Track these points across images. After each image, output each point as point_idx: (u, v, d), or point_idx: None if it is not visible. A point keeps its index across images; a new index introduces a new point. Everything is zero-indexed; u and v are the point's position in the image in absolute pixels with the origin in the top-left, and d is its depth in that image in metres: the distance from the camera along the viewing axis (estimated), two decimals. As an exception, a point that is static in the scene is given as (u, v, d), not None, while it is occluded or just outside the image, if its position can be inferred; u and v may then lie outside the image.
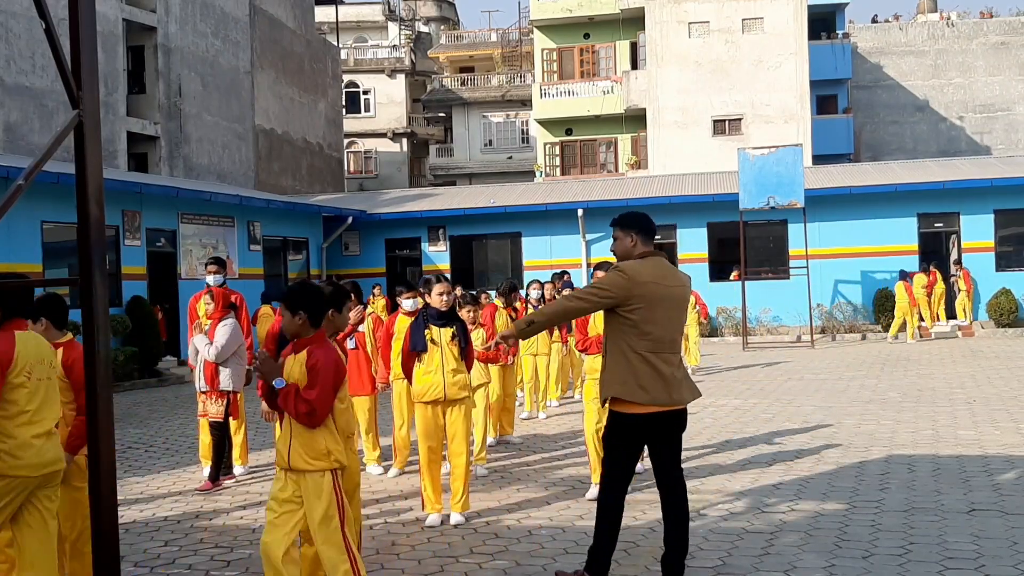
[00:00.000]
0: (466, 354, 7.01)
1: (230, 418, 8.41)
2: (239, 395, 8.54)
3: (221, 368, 8.22)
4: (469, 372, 7.11)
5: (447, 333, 6.84)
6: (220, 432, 8.28)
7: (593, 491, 7.09)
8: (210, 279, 9.28)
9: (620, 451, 5.06)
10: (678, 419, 5.11)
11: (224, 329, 8.20)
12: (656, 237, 5.27)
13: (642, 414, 4.94)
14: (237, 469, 8.69)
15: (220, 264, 9.48)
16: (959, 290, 22.62)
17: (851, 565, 5.45)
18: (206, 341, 8.22)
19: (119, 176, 19.80)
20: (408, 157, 45.85)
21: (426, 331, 6.83)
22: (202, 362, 8.30)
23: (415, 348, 6.85)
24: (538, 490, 7.74)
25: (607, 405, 5.18)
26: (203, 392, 8.34)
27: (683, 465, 8.42)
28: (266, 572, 4.46)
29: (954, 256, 23.65)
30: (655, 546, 5.96)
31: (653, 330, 4.91)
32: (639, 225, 5.15)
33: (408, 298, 8.44)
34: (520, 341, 9.38)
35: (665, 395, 4.94)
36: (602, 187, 26.74)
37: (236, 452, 8.78)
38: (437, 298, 6.97)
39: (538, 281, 13.11)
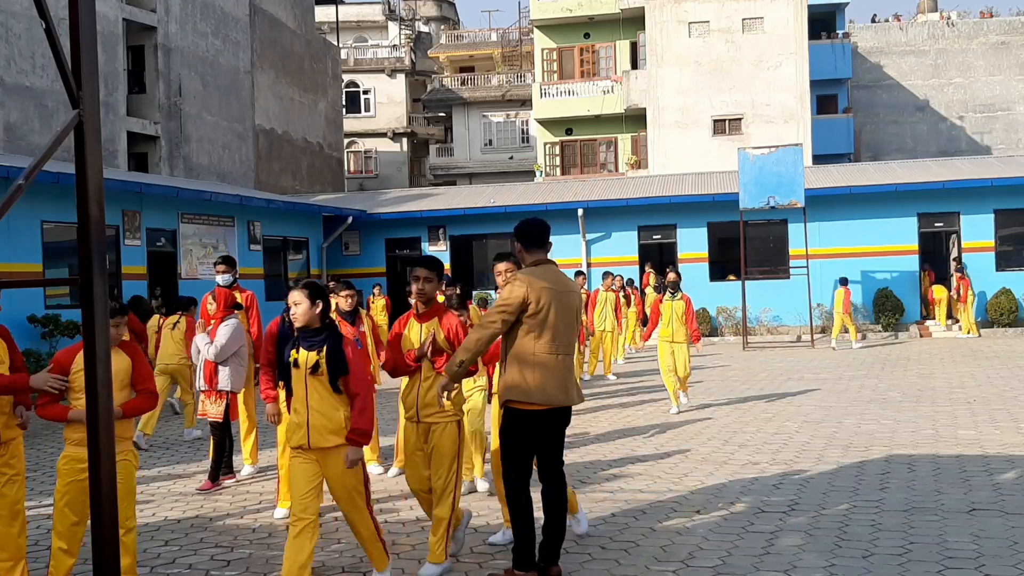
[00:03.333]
0: (346, 385, 5.04)
1: (230, 418, 8.41)
2: (238, 395, 8.53)
3: (220, 368, 8.22)
4: (350, 407, 5.08)
5: (311, 358, 5.05)
6: (220, 432, 8.28)
7: (503, 535, 6.12)
8: (219, 279, 9.15)
9: (517, 445, 5.31)
10: (564, 416, 5.38)
11: (225, 329, 8.20)
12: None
13: (534, 410, 5.22)
14: (247, 469, 8.68)
15: (229, 263, 9.12)
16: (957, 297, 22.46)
17: (851, 565, 5.45)
18: (207, 340, 8.22)
19: (119, 176, 19.78)
20: (408, 157, 45.84)
21: (292, 352, 5.15)
22: (202, 361, 8.30)
23: (280, 378, 5.80)
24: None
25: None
26: (203, 391, 8.35)
27: (684, 465, 8.48)
28: None
29: (954, 257, 23.65)
30: (655, 546, 5.96)
31: (548, 332, 5.21)
32: (525, 235, 5.44)
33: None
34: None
35: (557, 395, 5.23)
36: (602, 187, 26.74)
37: (246, 451, 8.76)
38: (291, 306, 5.18)
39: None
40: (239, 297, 8.88)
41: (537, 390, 5.18)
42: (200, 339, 8.32)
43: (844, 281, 20.87)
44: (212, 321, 8.49)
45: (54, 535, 5.04)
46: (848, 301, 20.54)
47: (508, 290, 5.27)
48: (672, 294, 11.89)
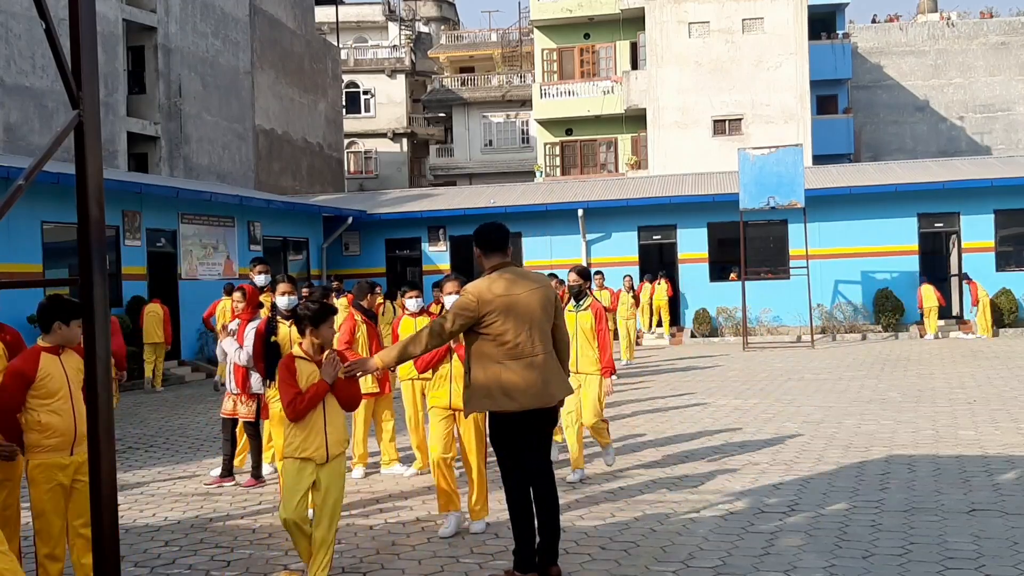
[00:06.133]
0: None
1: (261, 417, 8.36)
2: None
3: (251, 371, 8.12)
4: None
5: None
6: (254, 430, 8.30)
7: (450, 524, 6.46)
8: (259, 279, 9.06)
9: (507, 448, 5.33)
10: (548, 415, 5.38)
11: (253, 333, 7.95)
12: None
13: (516, 412, 5.23)
14: (267, 468, 8.60)
15: (268, 264, 9.33)
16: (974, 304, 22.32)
17: (851, 565, 5.45)
18: (235, 345, 8.13)
19: (119, 176, 19.79)
20: (408, 157, 45.84)
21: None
22: (231, 365, 8.26)
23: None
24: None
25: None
26: (234, 395, 8.31)
27: (683, 465, 8.48)
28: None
29: (954, 262, 23.66)
30: (655, 546, 5.96)
31: (510, 339, 5.19)
32: (482, 239, 5.40)
33: (412, 297, 8.48)
34: None
35: (531, 397, 5.21)
36: (602, 187, 26.74)
37: (270, 453, 8.68)
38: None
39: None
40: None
41: (506, 397, 5.18)
42: (228, 344, 8.22)
43: (926, 279, 22.35)
44: (236, 319, 8.40)
45: (38, 543, 5.03)
46: (939, 297, 21.99)
47: (459, 301, 5.29)
48: (576, 303, 8.03)
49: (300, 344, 5.34)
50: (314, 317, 5.27)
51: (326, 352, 5.25)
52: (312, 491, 5.16)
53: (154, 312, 16.75)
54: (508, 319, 5.18)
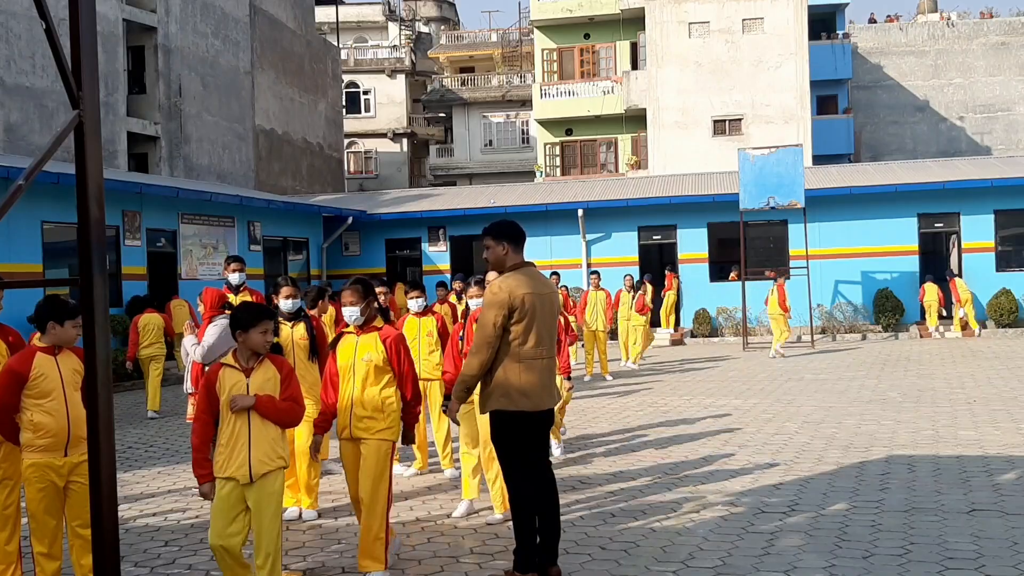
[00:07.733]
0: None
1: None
2: None
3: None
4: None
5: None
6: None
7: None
8: (233, 277, 8.94)
9: (513, 447, 5.35)
10: (548, 416, 5.43)
11: (214, 329, 7.54)
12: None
13: (522, 412, 5.25)
14: None
15: (242, 262, 9.16)
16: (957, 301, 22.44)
17: (851, 565, 5.45)
18: (195, 341, 7.73)
19: (119, 176, 19.80)
20: (408, 157, 45.85)
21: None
22: (190, 363, 7.91)
23: None
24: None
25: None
26: (190, 394, 7.97)
27: (683, 465, 8.48)
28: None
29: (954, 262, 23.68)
30: (655, 546, 5.96)
31: (531, 338, 5.21)
32: (510, 235, 5.39)
33: (414, 298, 8.44)
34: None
35: (543, 398, 5.29)
36: (602, 187, 26.74)
37: None
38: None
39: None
40: (233, 298, 8.70)
41: (523, 396, 5.20)
42: (188, 341, 7.84)
43: (931, 278, 22.41)
44: (203, 322, 8.19)
45: (34, 541, 5.03)
46: (940, 296, 22.16)
47: (488, 299, 5.23)
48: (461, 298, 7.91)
49: (233, 352, 4.86)
50: (242, 320, 4.74)
51: (235, 389, 4.71)
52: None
53: (179, 307, 17.27)
54: (533, 318, 5.21)
